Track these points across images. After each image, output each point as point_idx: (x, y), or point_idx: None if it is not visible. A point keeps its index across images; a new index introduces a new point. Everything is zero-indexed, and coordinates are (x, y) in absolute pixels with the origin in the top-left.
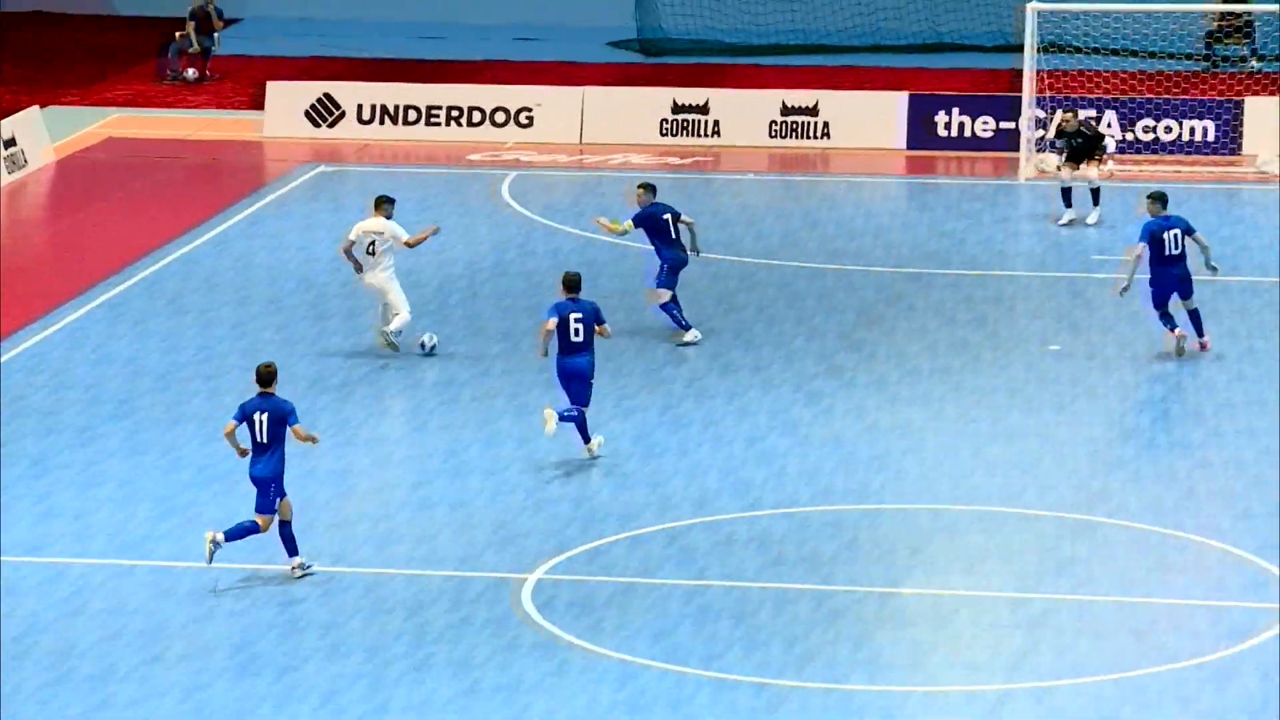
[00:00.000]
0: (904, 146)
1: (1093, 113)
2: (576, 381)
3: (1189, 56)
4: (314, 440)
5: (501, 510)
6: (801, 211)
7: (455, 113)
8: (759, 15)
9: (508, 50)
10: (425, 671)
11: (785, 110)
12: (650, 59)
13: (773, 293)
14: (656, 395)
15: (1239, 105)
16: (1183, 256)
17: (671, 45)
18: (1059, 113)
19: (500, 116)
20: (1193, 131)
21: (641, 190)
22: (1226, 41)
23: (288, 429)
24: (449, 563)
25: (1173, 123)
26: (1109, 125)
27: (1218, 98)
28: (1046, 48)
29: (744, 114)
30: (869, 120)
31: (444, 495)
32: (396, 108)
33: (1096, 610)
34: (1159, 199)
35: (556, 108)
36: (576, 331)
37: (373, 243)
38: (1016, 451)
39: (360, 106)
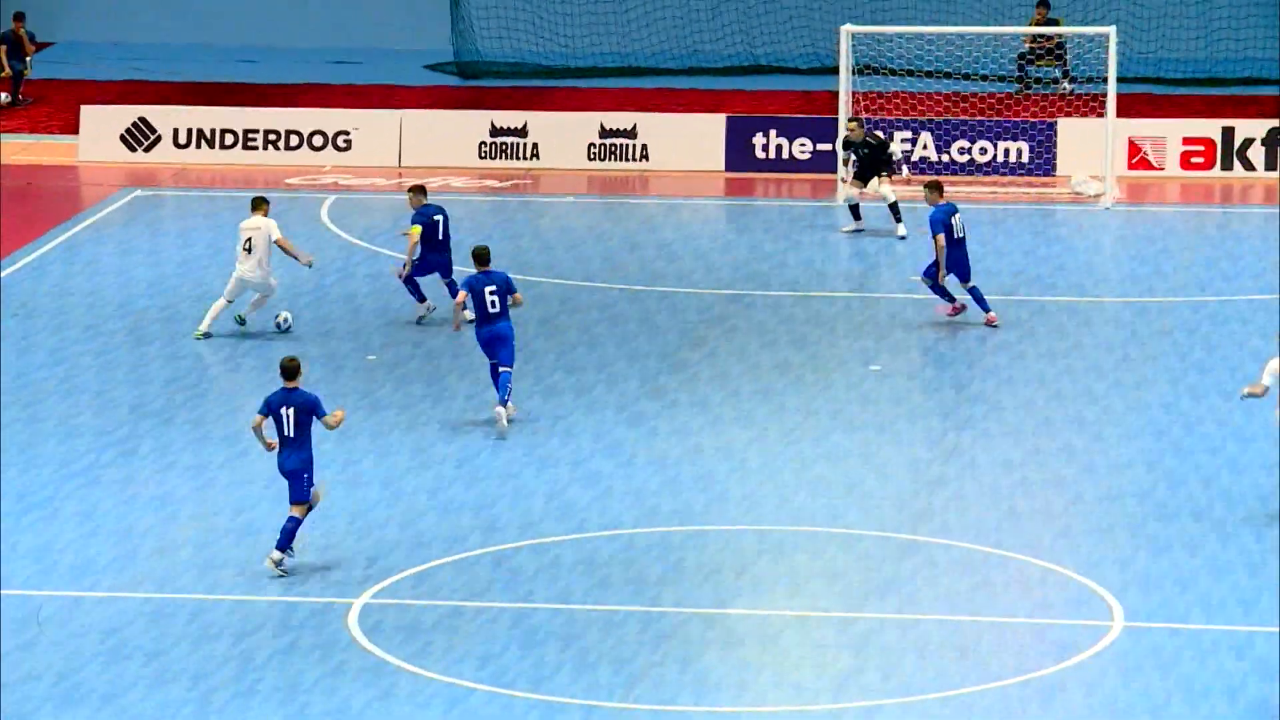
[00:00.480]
0: (723, 168)
1: (908, 133)
2: (499, 343)
3: (1003, 78)
4: (341, 422)
5: (326, 535)
6: (622, 234)
7: (273, 136)
8: (576, 38)
9: (325, 73)
10: (252, 697)
11: (604, 133)
12: (468, 82)
13: (594, 315)
14: (480, 418)
15: (1052, 127)
16: (964, 240)
17: (489, 68)
18: (845, 123)
19: (318, 140)
20: (1008, 153)
21: (411, 194)
22: (1039, 63)
23: (314, 420)
24: (274, 588)
25: (988, 144)
26: (925, 146)
27: (1032, 119)
28: (862, 70)
29: (562, 137)
30: (688, 142)
31: (267, 521)
32: (213, 131)
33: (922, 629)
34: (935, 188)
35: (375, 131)
36: (493, 303)
37: (249, 239)
38: (840, 472)
39: (176, 130)
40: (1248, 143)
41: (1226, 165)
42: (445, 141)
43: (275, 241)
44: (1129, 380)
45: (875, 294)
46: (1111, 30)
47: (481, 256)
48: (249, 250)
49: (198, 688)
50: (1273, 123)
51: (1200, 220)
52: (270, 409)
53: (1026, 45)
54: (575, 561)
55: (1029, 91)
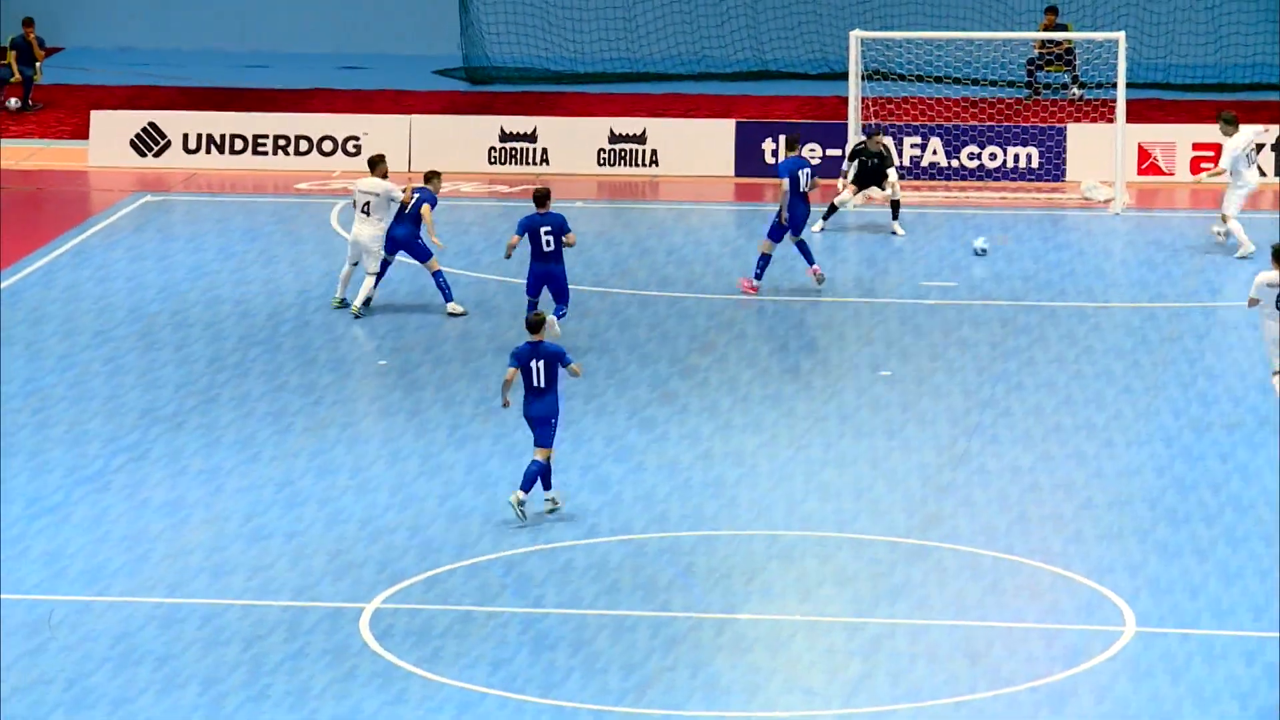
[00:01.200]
0: (732, 173)
1: (918, 138)
2: (551, 282)
3: (1012, 84)
4: (581, 372)
5: (337, 540)
6: (631, 239)
7: (282, 141)
8: (585, 44)
9: (334, 79)
10: (263, 702)
11: (613, 138)
12: (477, 87)
13: (604, 320)
14: (490, 424)
15: (1062, 132)
16: (808, 196)
17: (498, 74)
18: (865, 135)
19: (328, 145)
20: (1017, 158)
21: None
22: (1048, 69)
23: (560, 369)
24: (285, 593)
25: (997, 149)
26: (935, 152)
27: (1041, 125)
28: (871, 75)
29: (572, 142)
30: (697, 148)
31: (278, 525)
32: (223, 136)
33: (932, 634)
34: (792, 143)
35: (384, 136)
36: (548, 243)
37: (368, 203)
38: (849, 477)
39: (186, 135)
40: (1257, 148)
41: None
42: (454, 146)
43: (400, 201)
44: (1139, 386)
45: (884, 299)
46: (1121, 36)
47: (541, 199)
48: (366, 213)
49: (208, 693)
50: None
51: (1210, 226)
52: (519, 361)
53: (1036, 51)
54: (586, 566)
55: (1038, 97)
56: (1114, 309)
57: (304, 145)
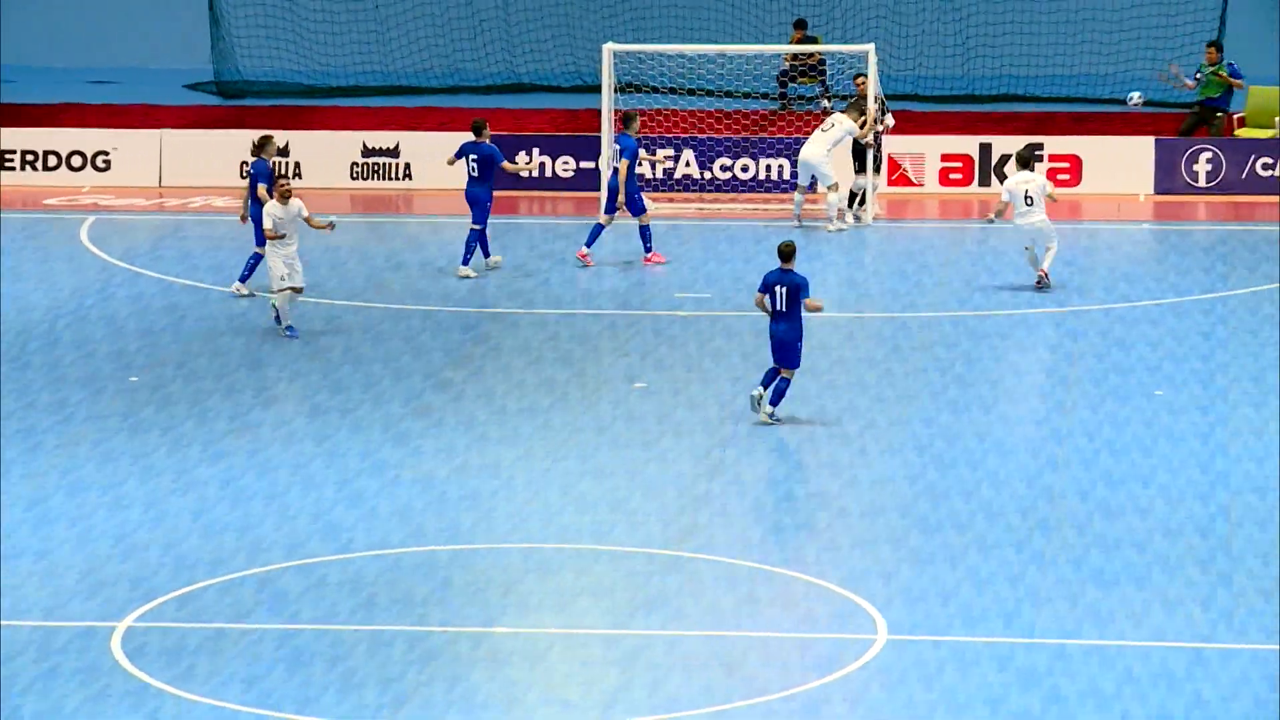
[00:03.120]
0: None
1: (670, 151)
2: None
3: (764, 96)
4: (820, 308)
5: (88, 558)
6: (385, 253)
7: (30, 157)
8: (338, 57)
9: (83, 93)
10: None
11: (366, 151)
12: (229, 101)
13: (358, 334)
14: (244, 439)
15: None
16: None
17: (250, 87)
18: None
19: (77, 160)
20: (769, 169)
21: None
22: (799, 81)
23: (802, 299)
24: (35, 612)
25: (749, 161)
26: (687, 164)
27: (793, 136)
28: (624, 88)
29: (325, 155)
30: None
31: (28, 544)
32: None
33: (688, 645)
34: (629, 120)
35: (134, 151)
36: (473, 169)
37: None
38: (606, 489)
39: None
40: (1005, 159)
41: (984, 181)
42: (206, 161)
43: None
44: (891, 395)
45: (639, 311)
46: (871, 48)
47: (478, 129)
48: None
49: None
50: (1028, 139)
51: (959, 236)
52: (767, 286)
53: (786, 63)
54: (341, 581)
55: (790, 109)
56: (866, 319)
57: (52, 161)
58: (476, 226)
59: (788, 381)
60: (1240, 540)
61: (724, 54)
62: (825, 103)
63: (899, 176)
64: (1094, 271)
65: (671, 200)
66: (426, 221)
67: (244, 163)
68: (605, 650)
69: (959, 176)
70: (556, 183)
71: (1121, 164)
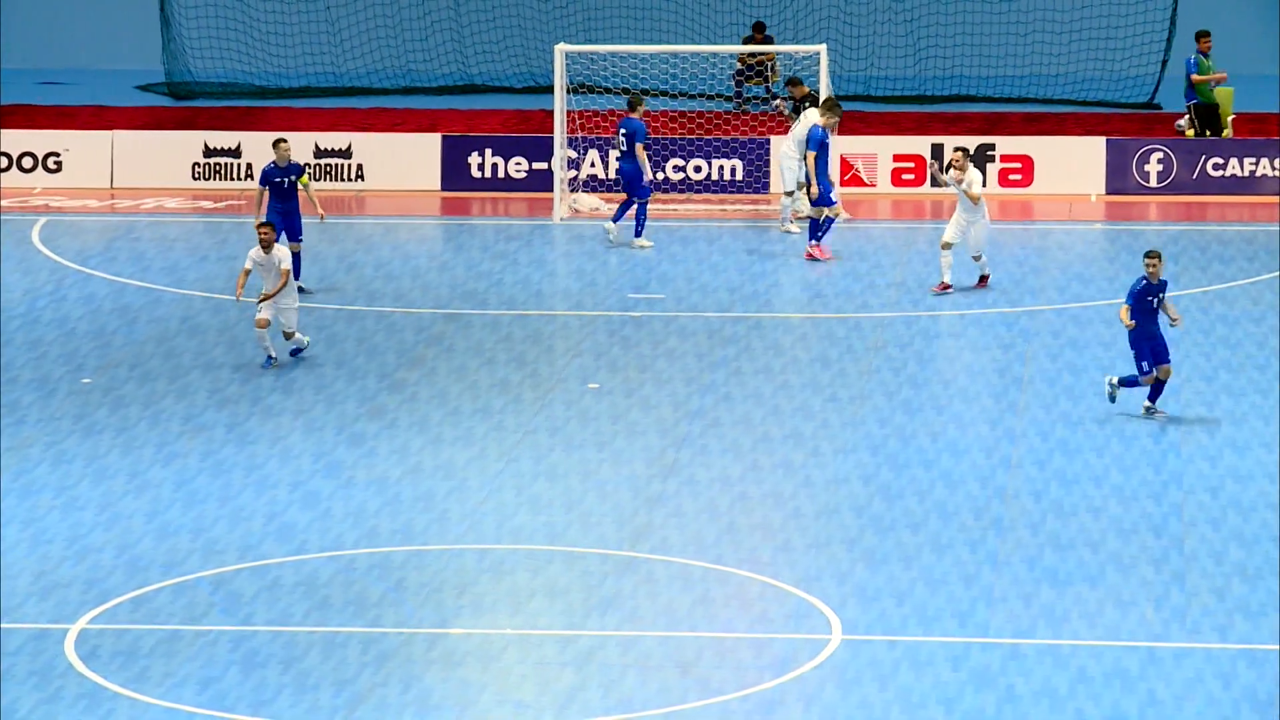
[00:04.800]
0: (439, 188)
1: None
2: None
3: (717, 97)
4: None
5: (41, 560)
6: (338, 254)
7: None
8: (289, 58)
9: (33, 94)
10: None
11: (319, 153)
12: (180, 102)
13: (311, 335)
14: (197, 441)
15: (766, 144)
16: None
17: (201, 89)
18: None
19: (28, 162)
20: (722, 170)
21: None
22: (752, 82)
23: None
24: None
25: (703, 161)
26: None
27: (745, 137)
28: (577, 89)
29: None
30: (403, 162)
31: None
32: None
33: (643, 645)
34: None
35: (86, 152)
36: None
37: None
38: (559, 490)
39: None
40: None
41: (936, 181)
42: (158, 162)
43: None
44: (844, 395)
45: (593, 312)
46: (823, 49)
47: (633, 104)
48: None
49: None
50: (980, 139)
51: (912, 236)
52: (1133, 299)
53: (740, 64)
54: (295, 583)
55: (744, 110)
56: (820, 319)
57: (3, 162)
58: (641, 200)
59: (1162, 382)
60: (1193, 539)
61: (676, 54)
62: (776, 103)
63: (852, 177)
64: (1046, 271)
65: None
66: (379, 223)
67: (195, 164)
68: (560, 651)
69: (911, 177)
70: (509, 184)
71: (1073, 164)
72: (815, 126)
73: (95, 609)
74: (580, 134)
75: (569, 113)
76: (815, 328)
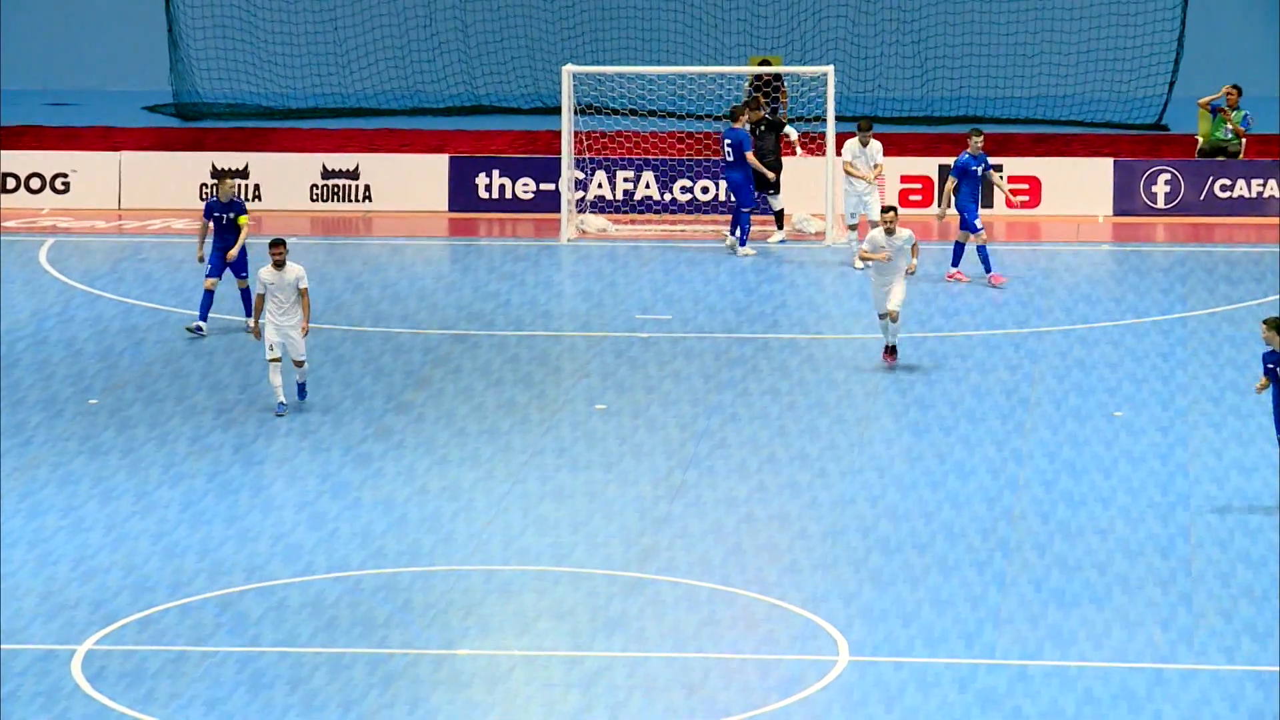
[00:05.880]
0: (446, 209)
1: (631, 173)
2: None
3: (725, 117)
4: None
5: (47, 581)
6: (345, 275)
7: None
8: (297, 79)
9: (42, 115)
10: None
11: (326, 174)
12: (188, 123)
13: (319, 356)
14: (204, 461)
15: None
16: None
17: (209, 109)
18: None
19: (35, 183)
20: (729, 191)
21: None
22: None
23: None
24: None
25: (709, 183)
26: (647, 185)
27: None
28: (584, 109)
29: (284, 177)
30: (410, 183)
31: None
32: None
33: (650, 667)
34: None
35: (93, 173)
36: (728, 153)
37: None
38: (566, 510)
39: None
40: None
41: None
42: (165, 184)
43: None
44: (851, 416)
45: (600, 332)
46: (830, 70)
47: (734, 114)
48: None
49: None
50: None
51: (920, 257)
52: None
53: (749, 86)
54: (302, 604)
55: (755, 133)
56: (827, 340)
57: (11, 183)
58: (745, 209)
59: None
60: (1200, 561)
61: (684, 75)
62: (788, 129)
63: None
64: (1053, 293)
65: (632, 222)
66: (386, 244)
67: (202, 185)
68: (566, 672)
69: (919, 198)
70: (517, 204)
71: (1080, 185)
72: (963, 153)
73: (102, 630)
74: (588, 155)
75: (576, 133)
76: (822, 349)
